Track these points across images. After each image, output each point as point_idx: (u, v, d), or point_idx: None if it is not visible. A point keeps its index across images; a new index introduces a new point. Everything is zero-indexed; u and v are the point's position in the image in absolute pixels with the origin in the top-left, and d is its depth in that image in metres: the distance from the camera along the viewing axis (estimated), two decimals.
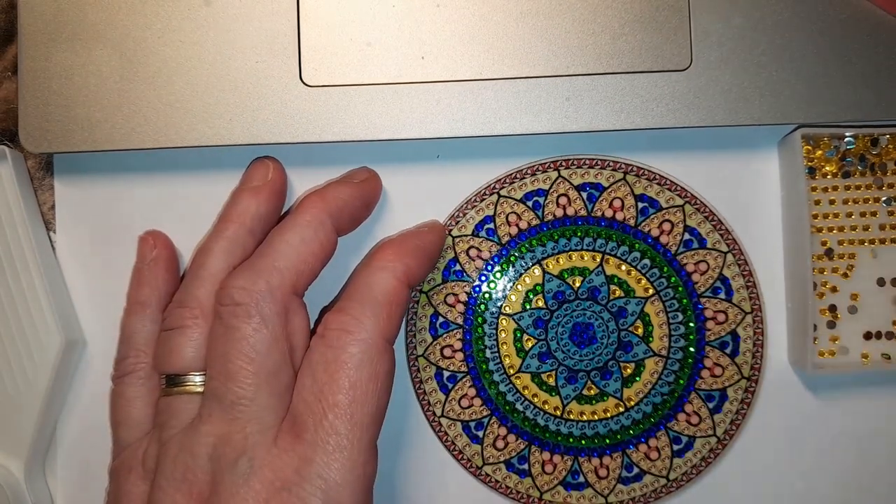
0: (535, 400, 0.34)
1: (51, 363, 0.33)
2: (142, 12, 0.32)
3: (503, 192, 0.34)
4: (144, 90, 0.32)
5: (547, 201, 0.34)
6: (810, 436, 0.34)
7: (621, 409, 0.34)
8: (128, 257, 0.34)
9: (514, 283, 0.34)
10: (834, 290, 0.33)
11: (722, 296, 0.33)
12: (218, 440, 0.28)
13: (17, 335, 0.33)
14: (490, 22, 0.32)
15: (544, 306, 0.34)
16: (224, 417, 0.28)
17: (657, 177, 0.33)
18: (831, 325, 0.33)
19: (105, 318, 0.34)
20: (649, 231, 0.33)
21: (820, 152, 0.33)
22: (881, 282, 0.34)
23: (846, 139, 0.33)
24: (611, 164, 0.33)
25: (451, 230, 0.34)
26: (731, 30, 0.32)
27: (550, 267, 0.34)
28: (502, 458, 0.34)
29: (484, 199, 0.34)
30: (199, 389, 0.30)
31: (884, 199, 0.34)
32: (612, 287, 0.34)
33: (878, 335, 0.33)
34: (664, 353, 0.34)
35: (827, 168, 0.34)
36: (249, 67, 0.32)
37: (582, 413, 0.34)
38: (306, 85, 0.32)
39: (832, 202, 0.34)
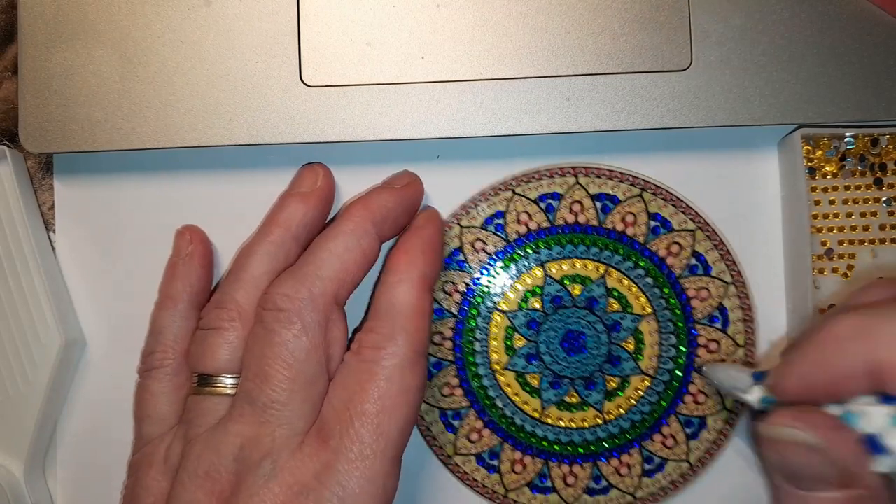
0: (516, 399, 0.34)
1: (51, 363, 0.33)
2: (142, 12, 0.32)
3: (518, 190, 0.33)
4: (144, 90, 0.32)
5: (560, 205, 0.34)
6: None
7: (599, 421, 0.34)
8: (128, 257, 0.34)
9: (513, 282, 0.34)
10: (834, 290, 0.33)
11: (718, 325, 0.33)
12: (246, 441, 0.28)
13: (17, 335, 0.33)
14: (490, 22, 0.32)
15: (540, 308, 0.34)
16: (255, 419, 0.29)
17: (674, 198, 0.33)
18: None
19: (105, 318, 0.34)
20: (657, 250, 0.33)
21: (820, 152, 0.33)
22: None
23: (846, 139, 0.33)
24: (630, 178, 0.33)
25: (460, 219, 0.34)
26: (731, 30, 0.32)
27: (553, 271, 0.34)
28: (474, 451, 0.34)
29: (498, 194, 0.34)
30: (230, 392, 0.30)
31: (884, 199, 0.34)
32: (611, 300, 0.34)
33: None
34: (651, 372, 0.34)
35: (827, 168, 0.34)
36: (249, 67, 0.32)
37: (560, 419, 0.34)
38: (306, 85, 0.32)
39: (832, 202, 0.34)
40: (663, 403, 0.34)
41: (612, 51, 0.32)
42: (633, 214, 0.33)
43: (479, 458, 0.34)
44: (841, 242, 0.34)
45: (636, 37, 0.32)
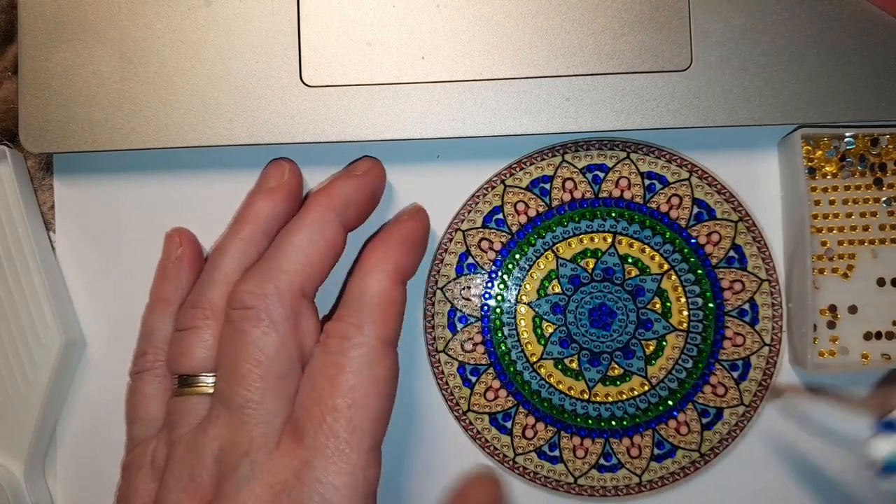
0: (560, 386, 0.34)
1: (51, 363, 0.33)
2: (142, 12, 0.32)
3: (508, 182, 0.34)
4: (144, 90, 0.32)
5: (553, 187, 0.34)
6: (810, 435, 0.34)
7: (647, 387, 0.34)
8: (128, 257, 0.34)
9: (528, 271, 0.34)
10: (834, 290, 0.33)
11: (747, 319, 0.34)
12: (224, 443, 0.28)
13: (17, 335, 0.33)
14: (490, 22, 0.32)
15: (560, 291, 0.34)
16: (231, 421, 0.29)
17: (659, 151, 0.33)
18: (831, 325, 0.33)
19: (105, 318, 0.34)
20: (658, 207, 0.33)
21: (820, 152, 0.33)
22: (881, 282, 0.34)
23: (846, 139, 0.33)
24: (618, 143, 0.33)
25: (460, 224, 0.34)
26: (731, 30, 0.32)
27: (562, 251, 0.34)
28: (532, 447, 0.34)
29: (490, 191, 0.34)
30: (210, 391, 0.30)
31: (884, 199, 0.34)
32: (627, 266, 0.34)
33: (878, 335, 0.33)
34: (684, 327, 0.34)
35: (827, 168, 0.34)
36: (249, 67, 0.32)
37: (608, 395, 0.34)
38: (306, 85, 0.32)
39: (832, 202, 0.34)
40: (704, 354, 0.34)
41: (612, 51, 0.32)
42: (626, 178, 0.34)
43: (540, 453, 0.34)
44: (841, 242, 0.34)
45: (636, 37, 0.32)
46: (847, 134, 0.33)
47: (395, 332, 0.30)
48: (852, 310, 0.34)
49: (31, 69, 0.32)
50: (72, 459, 0.34)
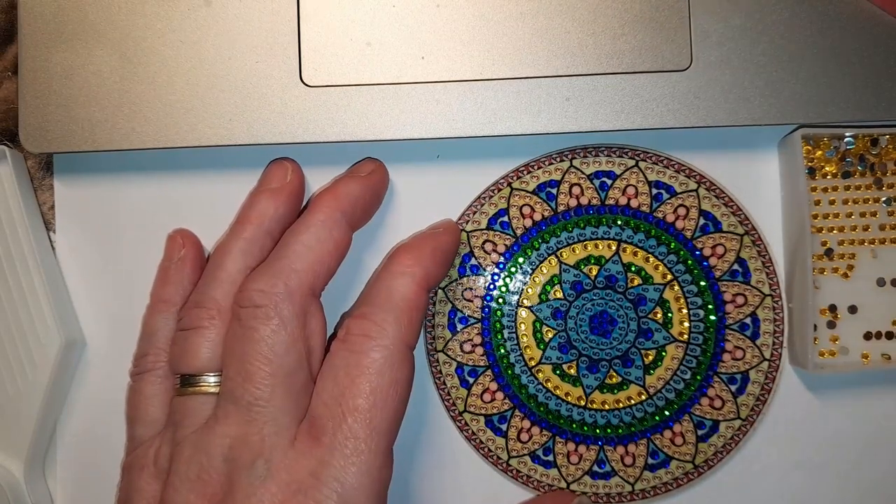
0: (557, 391, 0.34)
1: (51, 363, 0.33)
2: (142, 12, 0.32)
3: (515, 185, 0.34)
4: (144, 90, 0.32)
5: (560, 192, 0.34)
6: (810, 435, 0.34)
7: (644, 397, 0.34)
8: (128, 257, 0.34)
9: (530, 275, 0.34)
10: (834, 290, 0.33)
11: (748, 333, 0.34)
12: (234, 441, 0.28)
13: (17, 335, 0.33)
14: (490, 22, 0.32)
15: (562, 297, 0.34)
16: (240, 418, 0.29)
17: (668, 161, 0.33)
18: (831, 325, 0.33)
19: (105, 318, 0.34)
20: (664, 217, 0.33)
21: (820, 152, 0.33)
22: (881, 282, 0.34)
23: (846, 139, 0.33)
24: (627, 151, 0.33)
25: (465, 225, 0.34)
26: (731, 30, 0.32)
27: (566, 257, 0.34)
28: (526, 451, 0.34)
29: (497, 193, 0.34)
30: (214, 390, 0.30)
31: (884, 199, 0.34)
32: (631, 275, 0.34)
33: (879, 335, 0.33)
34: (684, 338, 0.34)
35: (827, 168, 0.34)
36: (249, 67, 0.32)
37: (604, 402, 0.34)
38: (306, 85, 0.32)
39: (832, 202, 0.34)
40: (703, 366, 0.33)
41: (612, 51, 0.32)
42: (634, 186, 0.33)
43: (534, 457, 0.34)
44: (841, 242, 0.34)
45: (636, 37, 0.32)
46: (847, 134, 0.33)
47: (416, 336, 0.30)
48: (852, 310, 0.34)
49: (31, 69, 0.32)
50: (72, 459, 0.34)
